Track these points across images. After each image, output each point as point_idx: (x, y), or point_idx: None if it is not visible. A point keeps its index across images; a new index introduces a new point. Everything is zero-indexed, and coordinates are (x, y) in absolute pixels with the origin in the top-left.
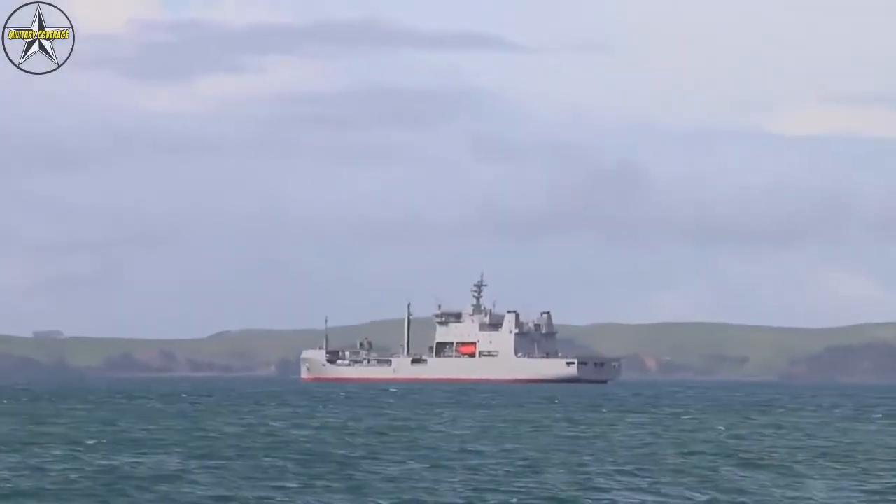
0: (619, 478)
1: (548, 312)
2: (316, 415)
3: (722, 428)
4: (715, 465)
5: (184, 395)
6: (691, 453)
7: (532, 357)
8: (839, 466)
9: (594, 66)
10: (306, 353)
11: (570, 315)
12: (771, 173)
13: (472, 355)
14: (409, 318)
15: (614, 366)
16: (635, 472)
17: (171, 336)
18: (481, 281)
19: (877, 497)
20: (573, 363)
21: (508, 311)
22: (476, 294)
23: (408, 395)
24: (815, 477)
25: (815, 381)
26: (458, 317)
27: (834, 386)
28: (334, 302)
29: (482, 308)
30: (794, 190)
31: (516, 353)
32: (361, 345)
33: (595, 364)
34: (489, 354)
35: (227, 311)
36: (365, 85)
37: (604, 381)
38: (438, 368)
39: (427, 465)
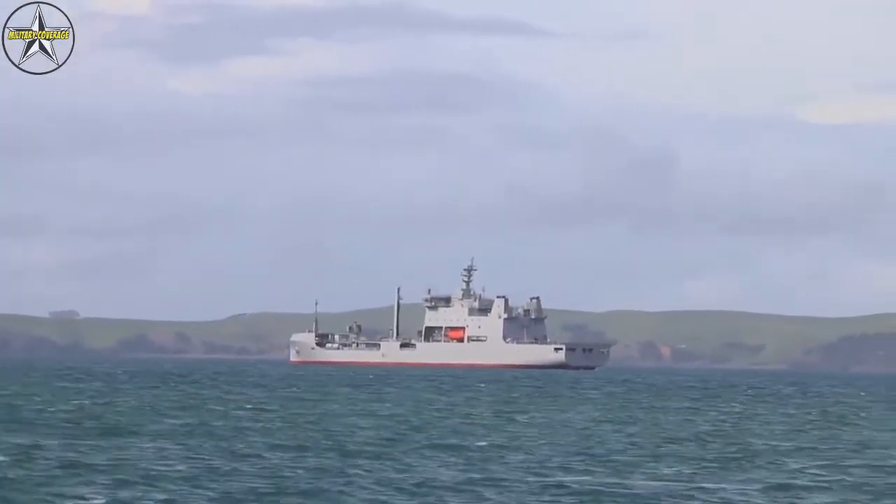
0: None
1: (537, 298)
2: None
3: (597, 413)
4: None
5: (120, 374)
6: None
7: (521, 342)
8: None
9: (628, 53)
10: (295, 336)
11: (590, 302)
12: (805, 162)
13: (460, 340)
14: (398, 302)
15: (603, 352)
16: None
17: (187, 318)
18: (471, 265)
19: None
20: (561, 349)
21: (497, 296)
22: (466, 279)
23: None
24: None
25: (827, 370)
26: (447, 301)
27: (839, 376)
28: (356, 287)
29: (471, 293)
30: (827, 179)
31: (505, 339)
32: (351, 328)
33: (583, 350)
34: (478, 339)
35: (245, 294)
36: (395, 69)
37: (592, 368)
38: (427, 353)
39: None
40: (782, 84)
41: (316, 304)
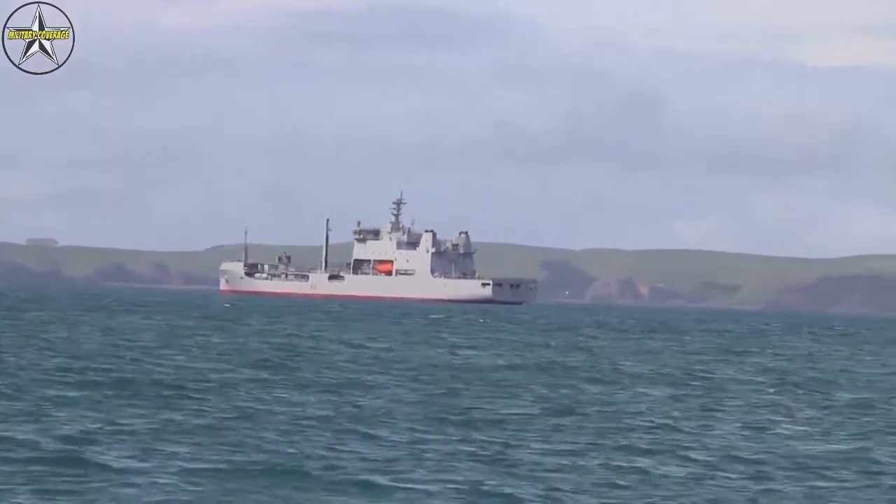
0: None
1: (465, 232)
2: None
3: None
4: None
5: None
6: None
7: (448, 277)
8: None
9: None
10: (225, 265)
11: (571, 240)
12: (792, 104)
13: (389, 273)
14: (327, 233)
15: (531, 288)
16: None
17: (166, 249)
18: (400, 198)
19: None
20: (488, 284)
21: (426, 231)
22: (395, 212)
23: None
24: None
25: (805, 310)
26: (376, 234)
27: (814, 316)
28: (331, 221)
29: (400, 226)
30: (813, 121)
31: (433, 273)
32: (280, 259)
33: (511, 286)
34: (406, 273)
35: (226, 226)
36: (383, 2)
37: (519, 303)
38: (355, 285)
39: None
40: (772, 24)
41: (246, 233)
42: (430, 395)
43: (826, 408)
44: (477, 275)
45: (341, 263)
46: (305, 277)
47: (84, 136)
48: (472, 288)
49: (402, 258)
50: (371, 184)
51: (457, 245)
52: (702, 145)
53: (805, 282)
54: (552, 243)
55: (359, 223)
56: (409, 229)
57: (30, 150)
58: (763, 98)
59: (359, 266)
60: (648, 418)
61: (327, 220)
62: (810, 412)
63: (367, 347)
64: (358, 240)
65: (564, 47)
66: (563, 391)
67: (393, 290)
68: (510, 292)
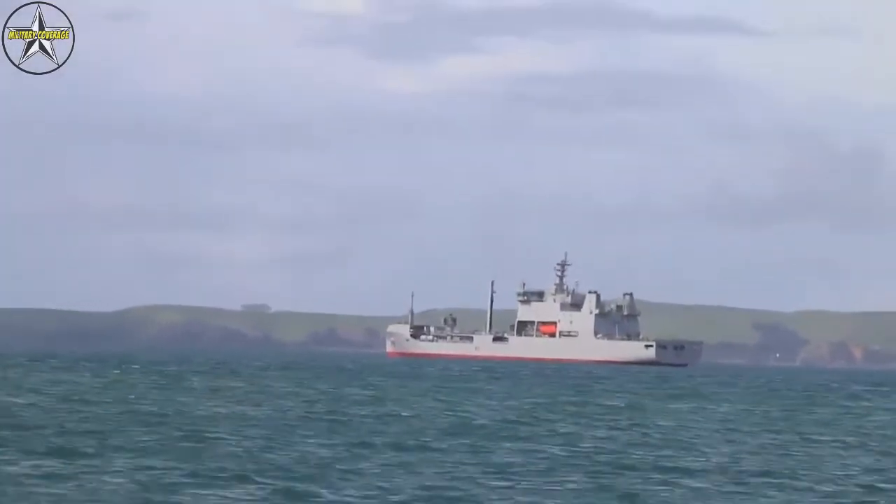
0: None
1: (630, 294)
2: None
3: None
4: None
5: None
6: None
7: (612, 339)
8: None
9: (836, 50)
10: (392, 328)
11: (782, 302)
12: None
13: (552, 335)
14: (492, 295)
15: (695, 349)
16: None
17: (378, 313)
18: (564, 260)
19: None
20: (651, 346)
21: (589, 292)
22: (559, 273)
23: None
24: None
25: None
26: (540, 296)
27: None
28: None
29: (564, 287)
30: None
31: (596, 334)
32: (445, 321)
33: (675, 347)
34: (569, 334)
35: (438, 289)
36: (600, 67)
37: (684, 365)
38: (519, 347)
39: None
40: None
41: (412, 295)
42: None
43: None
44: (641, 336)
45: (508, 325)
46: (470, 339)
47: (301, 196)
48: (635, 349)
49: (566, 319)
50: (575, 243)
51: (621, 307)
52: None
53: None
54: (765, 305)
55: (523, 284)
56: (574, 291)
57: (248, 211)
58: None
59: (522, 328)
60: None
61: (492, 283)
62: None
63: None
64: (522, 301)
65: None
66: None
67: (556, 351)
68: (674, 354)
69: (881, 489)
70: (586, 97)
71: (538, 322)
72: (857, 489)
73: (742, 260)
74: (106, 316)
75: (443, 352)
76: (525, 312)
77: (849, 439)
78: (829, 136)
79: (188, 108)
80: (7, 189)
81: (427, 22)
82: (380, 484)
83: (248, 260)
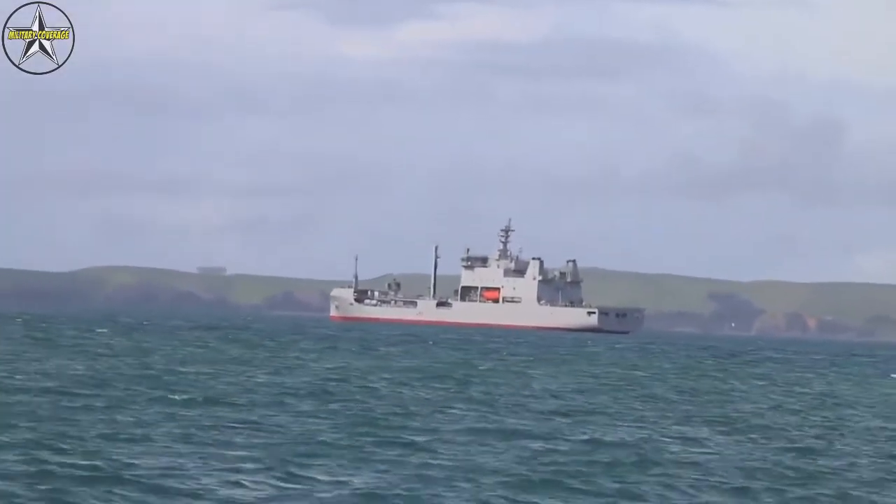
0: None
1: (573, 261)
2: None
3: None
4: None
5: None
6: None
7: (555, 305)
8: None
9: (799, 22)
10: (335, 292)
11: (740, 272)
12: None
13: (496, 301)
14: (436, 260)
15: (637, 317)
16: None
17: (332, 277)
18: (508, 226)
19: None
20: (594, 313)
21: (533, 258)
22: (503, 239)
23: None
24: None
25: None
26: (484, 261)
27: None
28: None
29: (508, 253)
30: None
31: (539, 301)
32: (389, 286)
33: (617, 314)
34: (512, 300)
35: (394, 257)
36: (564, 35)
37: (626, 332)
38: (462, 312)
39: None
40: None
41: (356, 259)
42: None
43: None
44: (584, 303)
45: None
46: (413, 304)
47: (258, 163)
48: (577, 316)
49: (510, 286)
50: (538, 214)
51: (564, 274)
52: (881, 177)
53: None
54: (722, 275)
55: (468, 250)
56: (517, 257)
57: (205, 177)
58: None
59: (466, 293)
60: None
61: (436, 248)
62: None
63: None
64: (466, 267)
65: (741, 77)
66: None
67: (499, 317)
68: (616, 321)
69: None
70: (549, 66)
71: (482, 288)
72: None
73: (701, 231)
74: (59, 276)
75: (386, 316)
76: (469, 278)
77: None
78: (791, 108)
79: (147, 74)
80: None
81: None
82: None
83: (205, 224)
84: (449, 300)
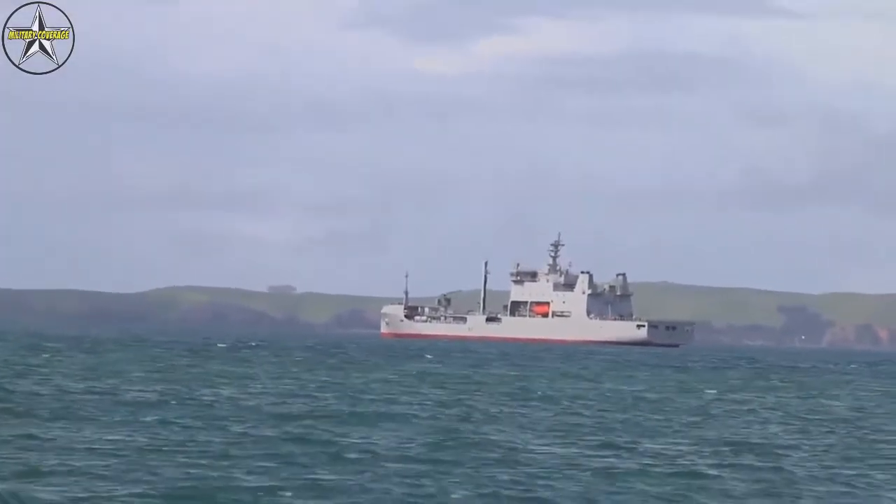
0: None
1: (623, 274)
2: None
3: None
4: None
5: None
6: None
7: (604, 319)
8: None
9: (871, 31)
10: (386, 309)
11: (810, 284)
12: None
13: (545, 315)
14: (485, 276)
15: (687, 330)
16: None
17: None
18: (558, 240)
19: None
20: (644, 326)
21: (582, 272)
22: (552, 254)
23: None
24: None
25: None
26: (533, 276)
27: None
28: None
29: (557, 268)
30: None
31: (588, 315)
32: (440, 301)
33: (666, 327)
34: (562, 315)
35: (461, 271)
36: (635, 49)
37: (675, 345)
38: (512, 327)
39: None
40: None
41: (406, 276)
42: None
43: None
44: (634, 316)
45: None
46: (463, 320)
47: (331, 178)
48: (627, 329)
49: (559, 300)
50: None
51: (613, 287)
52: None
53: None
54: (792, 288)
55: (517, 265)
56: (567, 271)
57: (277, 193)
58: None
59: (515, 308)
60: None
61: (485, 263)
62: None
63: None
64: (515, 282)
65: (812, 88)
66: None
67: (548, 331)
68: (666, 334)
69: None
70: (619, 79)
71: (531, 302)
72: None
73: (771, 243)
74: (129, 297)
75: (436, 332)
76: (518, 293)
77: None
78: (865, 118)
79: (221, 90)
80: (39, 171)
81: (461, 2)
82: None
83: (276, 241)
84: (498, 315)
